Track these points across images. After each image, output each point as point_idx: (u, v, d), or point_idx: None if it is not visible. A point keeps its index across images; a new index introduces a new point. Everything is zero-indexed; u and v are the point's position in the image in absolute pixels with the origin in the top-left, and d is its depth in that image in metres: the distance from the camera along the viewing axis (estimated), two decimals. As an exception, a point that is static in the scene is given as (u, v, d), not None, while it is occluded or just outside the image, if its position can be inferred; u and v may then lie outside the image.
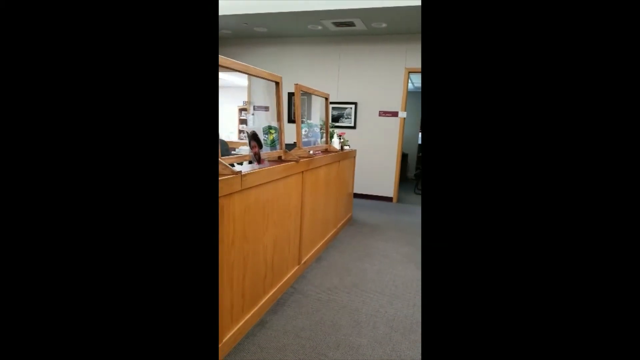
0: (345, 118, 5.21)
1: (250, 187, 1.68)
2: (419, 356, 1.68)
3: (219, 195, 1.41)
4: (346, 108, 5.18)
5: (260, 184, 1.79)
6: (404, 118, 4.97)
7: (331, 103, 4.83)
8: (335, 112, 5.21)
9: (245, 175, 1.61)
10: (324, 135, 3.24)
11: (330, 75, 5.16)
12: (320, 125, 3.19)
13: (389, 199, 5.12)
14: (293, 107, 3.76)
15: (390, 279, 2.52)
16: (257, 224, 1.81)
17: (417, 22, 4.18)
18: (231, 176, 1.50)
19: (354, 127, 5.17)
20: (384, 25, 4.38)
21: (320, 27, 4.65)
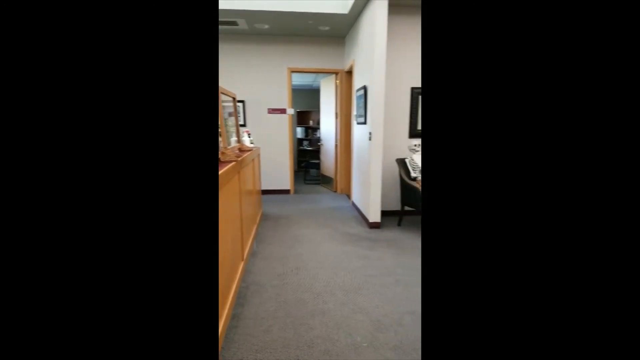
0: (237, 116, 5.25)
1: (221, 187, 1.75)
2: (374, 308, 2.10)
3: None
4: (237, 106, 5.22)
5: (224, 184, 1.86)
6: (292, 114, 5.36)
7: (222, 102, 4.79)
8: (225, 111, 5.18)
9: (221, 175, 1.67)
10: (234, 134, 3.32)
11: (215, 75, 5.09)
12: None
13: (286, 192, 5.46)
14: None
15: (324, 256, 2.88)
16: (224, 223, 1.88)
17: (297, 25, 4.59)
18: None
19: (244, 125, 5.28)
20: (266, 26, 4.62)
21: (201, 26, 4.54)
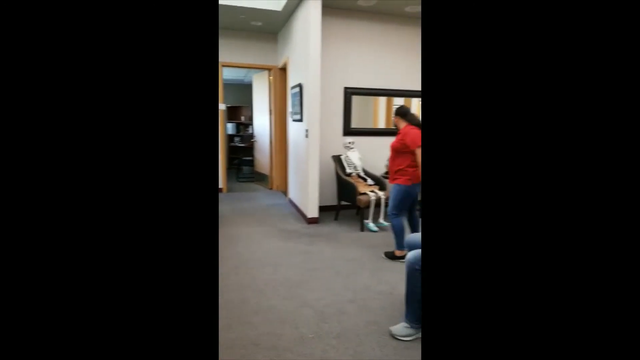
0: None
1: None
2: (318, 300, 2.16)
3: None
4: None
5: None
6: (224, 110, 5.18)
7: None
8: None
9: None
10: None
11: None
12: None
13: (219, 190, 5.27)
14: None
15: (264, 254, 2.87)
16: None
17: (229, 19, 4.44)
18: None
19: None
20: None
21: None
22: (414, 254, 1.69)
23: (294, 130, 4.30)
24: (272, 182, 5.50)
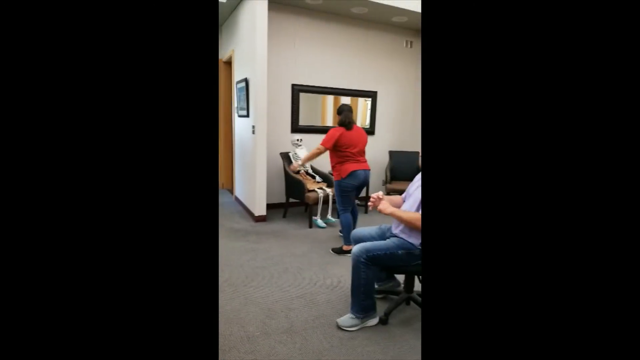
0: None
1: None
2: (265, 298, 2.14)
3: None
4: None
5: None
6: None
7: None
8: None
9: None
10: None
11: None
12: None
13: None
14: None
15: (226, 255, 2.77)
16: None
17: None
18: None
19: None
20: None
21: None
22: (359, 247, 1.75)
23: (240, 126, 4.20)
24: (218, 179, 5.32)
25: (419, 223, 1.63)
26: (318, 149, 2.76)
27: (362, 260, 1.71)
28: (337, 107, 2.86)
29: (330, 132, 2.72)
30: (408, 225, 1.69)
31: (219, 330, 1.76)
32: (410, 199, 1.79)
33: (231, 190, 5.00)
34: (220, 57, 4.94)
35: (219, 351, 1.60)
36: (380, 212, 1.74)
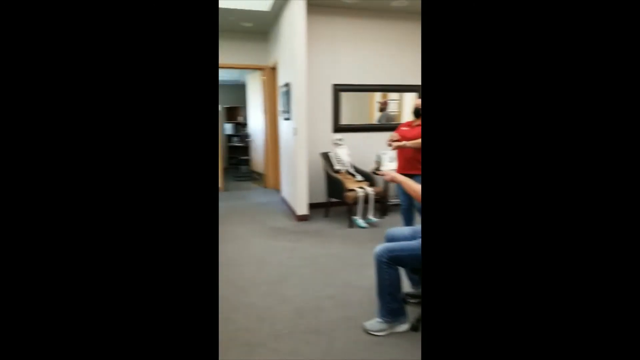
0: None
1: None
2: (296, 297, 2.20)
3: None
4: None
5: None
6: (219, 111, 5.23)
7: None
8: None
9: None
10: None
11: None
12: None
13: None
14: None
15: (250, 251, 2.91)
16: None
17: (220, 21, 4.47)
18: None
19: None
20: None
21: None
22: (382, 246, 1.72)
23: (285, 128, 4.33)
24: (267, 180, 5.55)
25: None
26: (419, 142, 2.69)
27: (384, 260, 1.68)
28: (414, 108, 2.88)
29: (419, 129, 2.71)
30: (416, 197, 1.65)
31: (249, 326, 1.85)
32: None
33: (278, 191, 5.18)
34: (265, 63, 5.14)
35: (247, 347, 1.69)
36: (392, 180, 1.75)
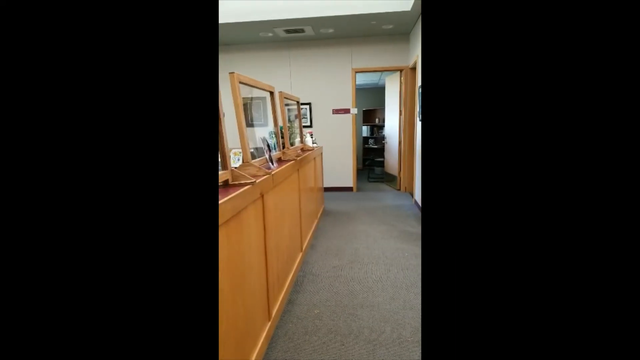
0: (302, 118, 5.53)
1: (277, 185, 1.95)
2: (425, 302, 2.11)
3: (261, 193, 1.66)
4: (301, 109, 5.50)
5: (281, 182, 2.06)
6: (355, 114, 5.46)
7: (285, 105, 5.11)
8: (291, 114, 5.50)
9: (274, 174, 1.87)
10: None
11: (282, 79, 5.43)
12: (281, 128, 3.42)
13: (349, 189, 5.58)
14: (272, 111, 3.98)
15: (379, 252, 2.94)
16: (281, 217, 2.08)
17: (361, 26, 4.66)
18: (266, 177, 1.76)
19: (310, 126, 5.53)
20: (330, 30, 4.78)
21: (271, 34, 4.90)
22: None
23: (420, 130, 4.19)
24: (401, 183, 5.48)
25: None
26: None
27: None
28: None
29: None
30: None
31: (373, 326, 1.89)
32: None
33: (412, 194, 5.05)
34: (406, 64, 5.08)
35: (370, 345, 1.73)
36: None
